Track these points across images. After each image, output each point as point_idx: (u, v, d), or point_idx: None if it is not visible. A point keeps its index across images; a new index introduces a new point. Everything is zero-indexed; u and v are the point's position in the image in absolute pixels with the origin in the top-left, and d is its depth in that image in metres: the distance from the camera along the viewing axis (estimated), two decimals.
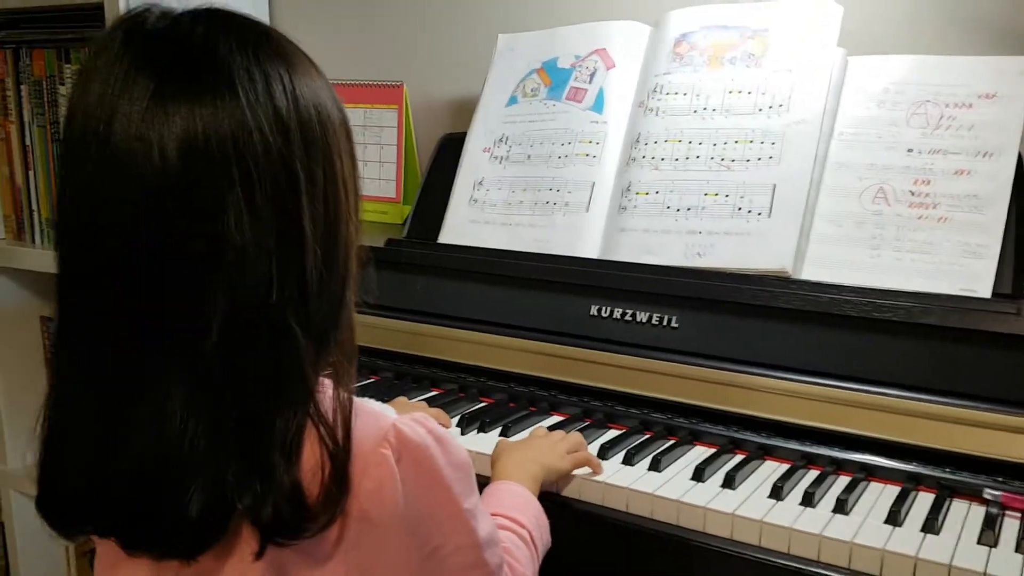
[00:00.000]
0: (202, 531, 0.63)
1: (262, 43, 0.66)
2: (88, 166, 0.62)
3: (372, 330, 1.36)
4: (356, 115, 1.57)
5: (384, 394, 1.25)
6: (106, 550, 0.70)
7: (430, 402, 1.23)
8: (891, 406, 1.04)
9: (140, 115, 0.61)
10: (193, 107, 0.61)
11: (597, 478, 1.02)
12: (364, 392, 1.26)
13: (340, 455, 0.65)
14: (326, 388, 0.67)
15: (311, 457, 0.65)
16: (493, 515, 0.88)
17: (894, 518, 0.94)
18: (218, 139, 0.61)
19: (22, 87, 1.68)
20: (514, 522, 0.88)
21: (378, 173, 1.56)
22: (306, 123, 0.65)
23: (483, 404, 1.25)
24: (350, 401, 0.67)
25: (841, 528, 0.92)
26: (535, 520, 0.91)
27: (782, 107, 1.22)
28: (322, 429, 0.65)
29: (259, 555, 0.64)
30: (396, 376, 1.34)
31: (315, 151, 0.66)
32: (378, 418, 0.69)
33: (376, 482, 0.66)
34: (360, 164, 1.61)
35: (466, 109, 1.53)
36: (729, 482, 1.01)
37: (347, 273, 0.70)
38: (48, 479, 0.68)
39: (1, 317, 1.82)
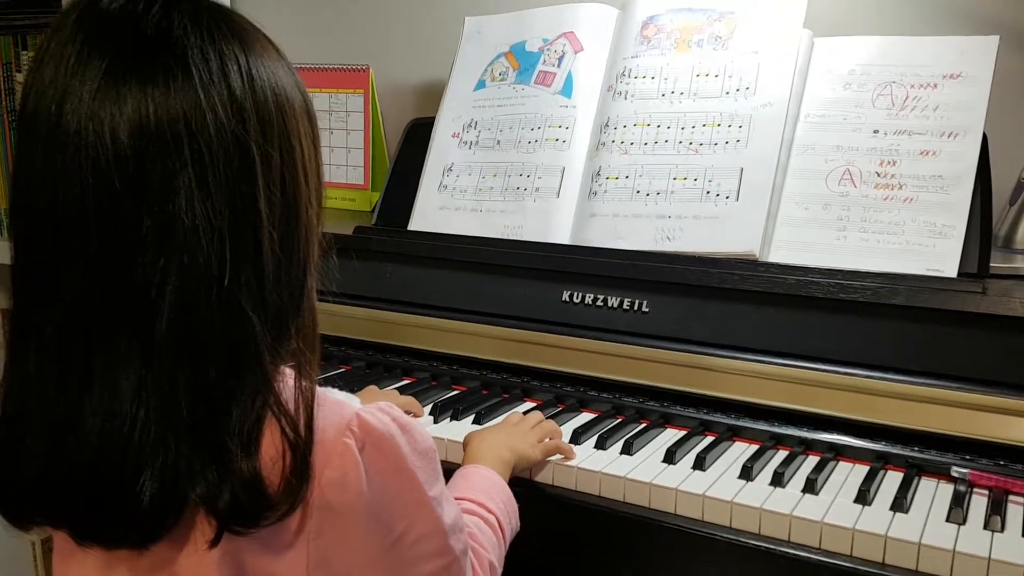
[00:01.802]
0: (154, 520, 0.62)
1: (219, 24, 0.64)
2: (40, 148, 0.61)
3: (343, 319, 1.35)
4: (321, 100, 1.55)
5: (356, 383, 1.24)
6: (61, 540, 0.69)
7: (402, 391, 1.22)
8: (859, 386, 1.05)
9: (92, 96, 0.60)
10: (145, 88, 0.60)
11: (569, 463, 1.03)
12: (335, 382, 1.25)
13: (301, 445, 0.64)
14: (287, 378, 0.67)
15: (271, 446, 0.64)
16: (460, 499, 0.88)
17: (863, 497, 0.95)
18: (170, 120, 0.60)
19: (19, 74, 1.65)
20: (481, 506, 0.88)
21: (345, 159, 1.54)
22: (262, 105, 0.64)
23: (456, 392, 1.25)
24: (312, 390, 0.67)
25: (811, 508, 0.93)
26: (503, 505, 0.91)
27: (749, 90, 1.23)
28: (283, 419, 0.64)
29: (214, 543, 0.63)
30: (368, 365, 1.34)
31: (271, 133, 0.65)
32: (341, 407, 0.68)
33: (339, 471, 0.66)
34: (326, 150, 1.60)
35: (434, 93, 1.52)
36: (700, 464, 1.02)
37: (307, 259, 0.69)
38: (1, 469, 0.66)
39: None
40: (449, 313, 1.28)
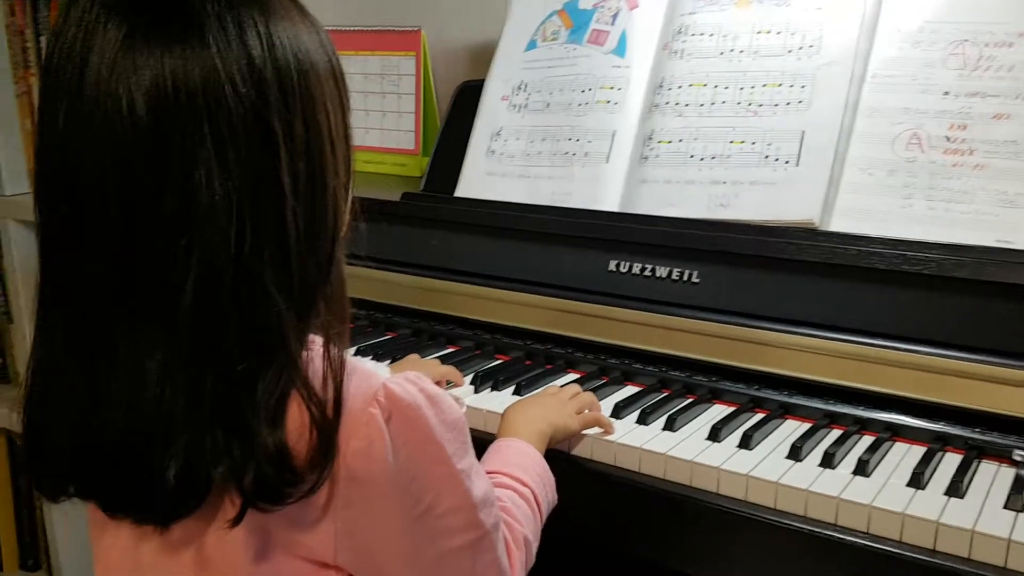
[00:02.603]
0: (178, 499, 0.62)
1: None
2: (60, 120, 0.60)
3: (390, 286, 1.34)
4: (373, 63, 1.53)
5: (401, 351, 1.23)
6: (95, 511, 0.70)
7: (445, 359, 1.21)
8: (919, 363, 1.00)
9: (109, 67, 0.58)
10: (163, 57, 0.59)
11: (609, 437, 1.00)
12: (382, 348, 1.24)
13: (327, 419, 0.63)
14: (317, 347, 0.66)
15: (298, 417, 0.63)
16: (495, 473, 0.86)
17: (917, 480, 0.90)
18: (188, 92, 0.58)
19: (41, 38, 1.67)
20: (516, 480, 0.86)
21: (396, 124, 1.52)
22: (284, 72, 0.62)
23: (499, 362, 1.23)
24: (341, 361, 0.66)
25: (861, 491, 0.89)
26: (539, 478, 0.89)
27: (812, 48, 1.16)
28: (307, 393, 0.63)
29: (236, 521, 0.63)
30: (413, 333, 1.32)
31: (294, 102, 0.63)
32: (368, 378, 0.67)
33: (365, 442, 0.65)
34: (377, 115, 1.59)
35: (487, 55, 1.48)
36: (746, 442, 0.98)
37: (336, 230, 0.67)
38: (32, 441, 0.67)
39: (28, 271, 1.83)
40: (494, 282, 1.25)
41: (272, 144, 0.61)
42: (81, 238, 0.61)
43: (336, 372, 0.65)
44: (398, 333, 1.33)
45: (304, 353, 0.65)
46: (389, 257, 1.35)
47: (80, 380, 0.63)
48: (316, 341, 0.66)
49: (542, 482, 0.89)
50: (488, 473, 0.87)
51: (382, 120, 1.54)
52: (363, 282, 1.37)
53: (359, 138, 1.61)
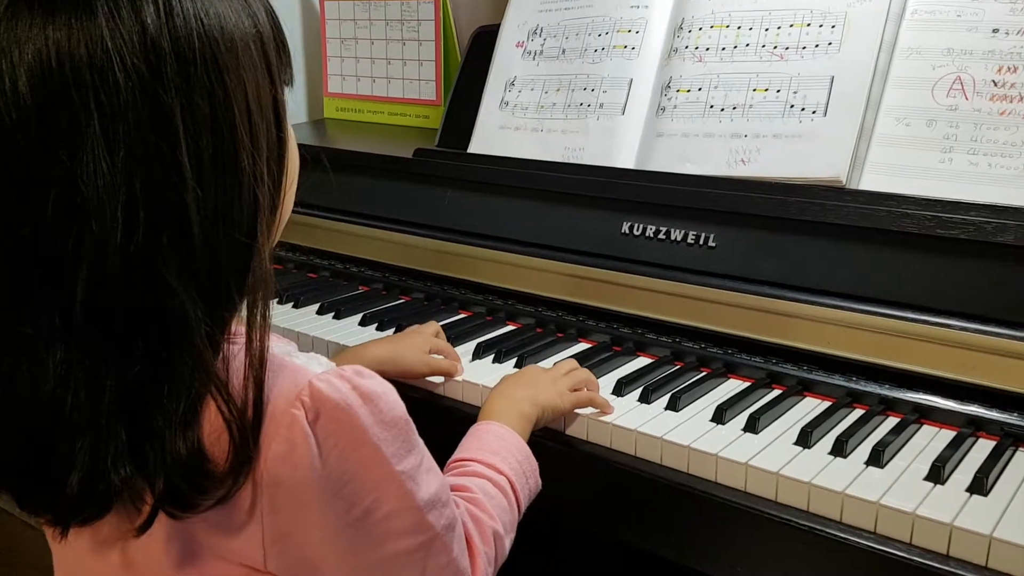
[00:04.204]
0: (79, 502, 0.59)
1: None
2: None
3: (405, 248, 1.29)
4: (392, 9, 1.46)
5: (414, 316, 1.19)
6: None
7: (456, 326, 1.16)
8: (954, 339, 0.90)
9: None
10: (46, 29, 0.54)
11: (606, 418, 0.94)
12: (392, 314, 1.21)
13: (244, 421, 0.60)
14: (240, 342, 0.62)
15: (216, 419, 0.59)
16: (469, 460, 0.82)
17: (936, 474, 0.81)
18: (72, 66, 0.54)
19: None
20: (491, 468, 0.81)
21: (417, 73, 1.45)
22: (183, 42, 0.57)
23: (509, 329, 1.17)
24: (262, 358, 0.61)
25: (871, 485, 0.81)
26: (519, 465, 0.84)
27: None
28: (221, 394, 0.59)
29: (143, 527, 0.60)
30: (427, 297, 1.28)
31: (196, 75, 0.57)
32: (296, 375, 0.62)
33: (286, 445, 0.61)
34: (398, 63, 1.52)
35: None
36: (752, 425, 0.91)
37: (254, 216, 0.62)
38: None
39: None
40: (505, 244, 1.19)
41: (167, 122, 0.56)
42: None
43: (256, 370, 0.61)
44: (411, 297, 1.29)
45: (227, 347, 0.61)
46: (404, 218, 1.30)
47: None
48: (239, 335, 0.62)
49: (521, 469, 0.84)
50: (462, 460, 0.83)
51: (403, 69, 1.48)
52: (378, 244, 1.33)
53: (382, 88, 1.55)
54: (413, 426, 0.67)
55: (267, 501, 0.62)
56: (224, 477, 0.60)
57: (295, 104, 1.73)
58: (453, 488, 0.78)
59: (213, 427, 0.60)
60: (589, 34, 1.22)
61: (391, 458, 0.64)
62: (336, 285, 1.35)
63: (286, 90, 0.67)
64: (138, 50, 0.55)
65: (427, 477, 0.68)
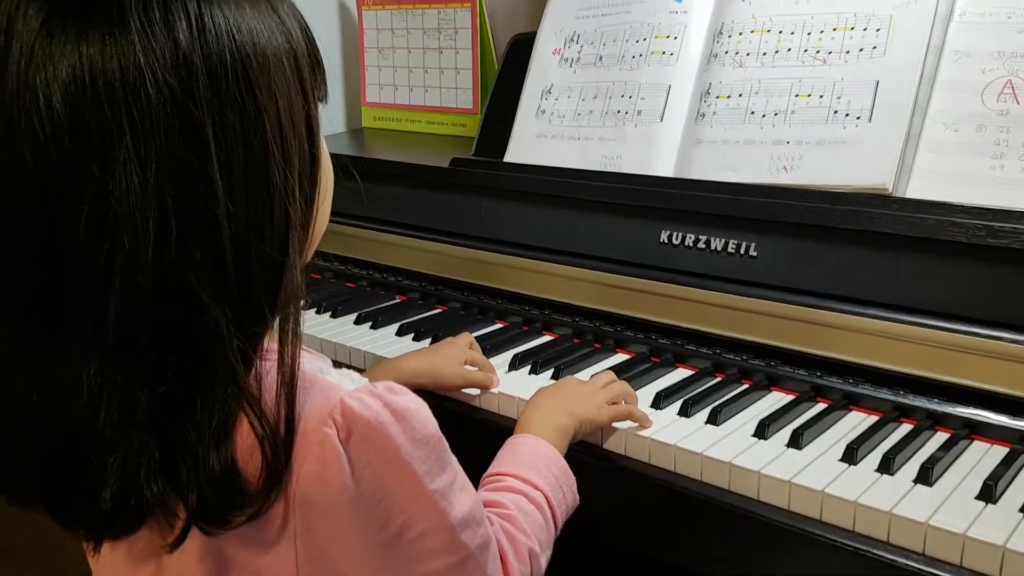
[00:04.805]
0: (111, 518, 0.59)
1: None
2: None
3: (441, 258, 1.29)
4: (429, 17, 1.45)
5: (450, 326, 1.19)
6: None
7: (492, 336, 1.16)
8: (1006, 352, 0.87)
9: (28, 57, 0.54)
10: (80, 45, 0.54)
11: (644, 432, 0.92)
12: (427, 324, 1.20)
13: (276, 438, 0.59)
14: (272, 359, 0.61)
15: (249, 436, 0.59)
16: (504, 475, 0.81)
17: (988, 493, 0.79)
18: (105, 82, 0.54)
19: None
20: (527, 483, 0.80)
21: (454, 82, 1.45)
22: (215, 59, 0.56)
23: (546, 339, 1.16)
24: (293, 374, 0.61)
25: (919, 504, 0.78)
26: (555, 480, 0.82)
27: None
28: (254, 411, 0.59)
29: (176, 542, 0.60)
30: (463, 307, 1.27)
31: (227, 91, 0.57)
32: (327, 392, 0.62)
33: (319, 464, 0.60)
34: (435, 72, 1.51)
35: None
36: (795, 441, 0.88)
37: (286, 231, 0.61)
38: None
39: None
40: (542, 253, 1.18)
41: (198, 137, 0.56)
42: (8, 238, 0.58)
43: (288, 386, 0.60)
44: (448, 307, 1.28)
45: (259, 364, 0.61)
46: (441, 227, 1.30)
47: (22, 390, 0.60)
48: (271, 352, 0.61)
49: (558, 484, 0.83)
50: (497, 475, 0.82)
51: (440, 78, 1.47)
52: (415, 253, 1.33)
53: (419, 97, 1.54)
54: (446, 443, 0.66)
55: (300, 520, 0.61)
56: (257, 494, 0.59)
57: (334, 114, 1.74)
58: (487, 504, 0.77)
59: (246, 444, 0.59)
60: (627, 40, 1.21)
61: (424, 476, 0.63)
62: (374, 295, 1.35)
63: (320, 105, 0.66)
64: (170, 66, 0.55)
65: (460, 495, 0.67)
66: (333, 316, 1.27)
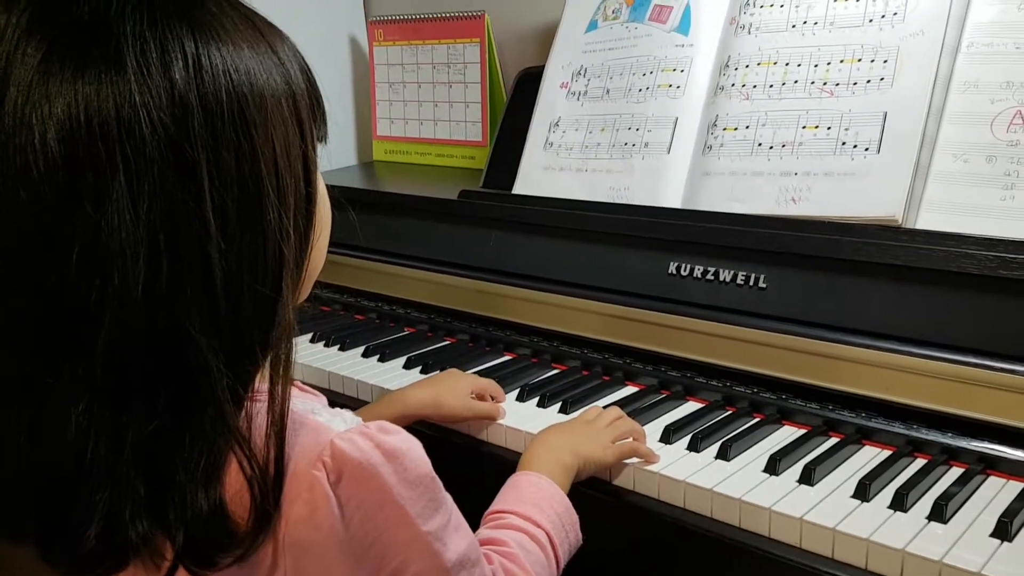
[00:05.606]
0: (94, 556, 0.58)
1: (167, 5, 0.57)
2: None
3: (449, 289, 1.29)
4: (439, 52, 1.46)
5: (458, 358, 1.19)
6: None
7: (501, 368, 1.15)
8: (1019, 385, 0.85)
9: (25, 94, 0.55)
10: (77, 84, 0.54)
11: (653, 467, 0.91)
12: (435, 356, 1.19)
13: (263, 480, 0.59)
14: (263, 399, 0.61)
15: (238, 477, 0.59)
16: (506, 512, 0.80)
17: (1003, 531, 0.77)
18: (100, 121, 0.54)
19: None
20: (529, 521, 0.79)
21: (464, 115, 1.46)
22: (211, 98, 0.57)
23: (554, 371, 1.15)
24: (283, 414, 0.60)
25: (933, 542, 0.77)
26: (557, 518, 0.81)
27: (896, 16, 1.01)
28: (243, 451, 0.59)
29: None
30: (472, 339, 1.27)
31: (223, 130, 0.57)
32: (318, 433, 0.61)
33: (308, 507, 0.59)
34: (444, 106, 1.52)
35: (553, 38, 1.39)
36: (807, 477, 0.87)
37: (279, 269, 0.61)
38: None
39: None
40: (550, 285, 1.17)
41: (192, 176, 0.56)
42: (0, 273, 0.58)
43: (278, 427, 0.60)
44: (456, 339, 1.28)
45: (249, 405, 0.61)
46: (450, 259, 1.30)
47: (17, 417, 0.60)
48: (261, 393, 0.61)
49: (561, 522, 0.82)
50: (499, 512, 0.81)
51: (450, 111, 1.48)
52: (424, 285, 1.33)
53: (429, 130, 1.55)
54: (439, 483, 0.65)
55: (290, 564, 0.61)
56: (245, 535, 0.59)
57: (345, 147, 1.75)
58: (489, 542, 0.76)
59: (235, 485, 0.59)
60: (633, 74, 1.21)
61: (417, 518, 0.62)
62: (383, 327, 1.34)
63: (320, 145, 0.67)
64: (165, 105, 0.55)
65: (455, 536, 0.66)
66: (341, 349, 1.26)
